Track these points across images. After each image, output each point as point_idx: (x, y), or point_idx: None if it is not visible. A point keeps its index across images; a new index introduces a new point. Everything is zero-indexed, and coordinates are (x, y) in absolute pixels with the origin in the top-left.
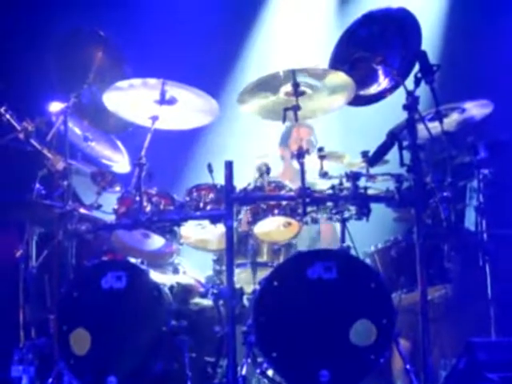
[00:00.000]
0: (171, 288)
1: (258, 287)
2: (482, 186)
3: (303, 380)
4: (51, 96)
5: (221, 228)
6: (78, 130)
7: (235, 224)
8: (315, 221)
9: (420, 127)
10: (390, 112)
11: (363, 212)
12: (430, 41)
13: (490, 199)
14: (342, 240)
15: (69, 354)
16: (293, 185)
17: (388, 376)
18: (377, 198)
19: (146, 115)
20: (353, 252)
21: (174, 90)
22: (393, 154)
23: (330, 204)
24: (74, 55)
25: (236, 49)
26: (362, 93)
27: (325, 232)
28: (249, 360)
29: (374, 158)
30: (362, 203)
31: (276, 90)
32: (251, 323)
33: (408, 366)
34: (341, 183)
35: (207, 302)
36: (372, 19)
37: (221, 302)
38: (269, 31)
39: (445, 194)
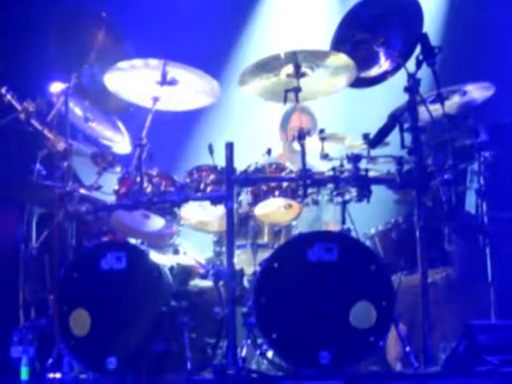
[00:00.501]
0: (171, 269)
1: (258, 269)
2: (483, 169)
3: (303, 361)
4: (52, 76)
5: (221, 209)
6: (78, 111)
7: (236, 205)
8: (316, 202)
9: (421, 109)
10: (391, 94)
11: (364, 194)
12: (432, 23)
13: (491, 182)
14: (343, 222)
15: (69, 335)
16: (292, 167)
17: (382, 360)
18: (378, 180)
19: (147, 96)
20: (353, 234)
21: (175, 70)
22: (394, 136)
23: (330, 186)
24: (75, 35)
25: (238, 30)
26: (363, 75)
27: None
28: (249, 341)
29: (375, 140)
30: (363, 185)
31: (277, 71)
32: (251, 304)
33: (408, 348)
34: (342, 165)
35: (207, 283)
36: (374, 1)
37: (221, 283)
38: (271, 12)
39: (445, 176)
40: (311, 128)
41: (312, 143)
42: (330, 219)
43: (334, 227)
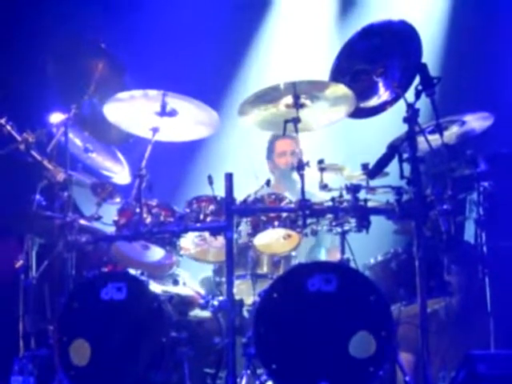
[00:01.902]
0: (171, 299)
1: (257, 299)
2: (482, 199)
3: None
4: (52, 107)
5: (221, 240)
6: (78, 141)
7: (235, 236)
8: (315, 233)
9: (420, 140)
10: (390, 124)
11: (363, 224)
12: (431, 53)
13: (490, 212)
14: (342, 252)
15: (69, 365)
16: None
17: None
18: (377, 211)
19: (147, 127)
20: (352, 264)
21: (174, 101)
22: (393, 167)
23: (329, 216)
24: (75, 66)
25: (237, 61)
26: (362, 105)
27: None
28: (248, 371)
29: (374, 171)
30: (362, 215)
31: (276, 102)
32: (251, 335)
33: (407, 378)
34: (341, 195)
35: (207, 314)
36: (373, 32)
37: (220, 313)
38: (269, 43)
39: (445, 206)
40: (296, 150)
41: (310, 173)
42: (331, 246)
43: (336, 254)
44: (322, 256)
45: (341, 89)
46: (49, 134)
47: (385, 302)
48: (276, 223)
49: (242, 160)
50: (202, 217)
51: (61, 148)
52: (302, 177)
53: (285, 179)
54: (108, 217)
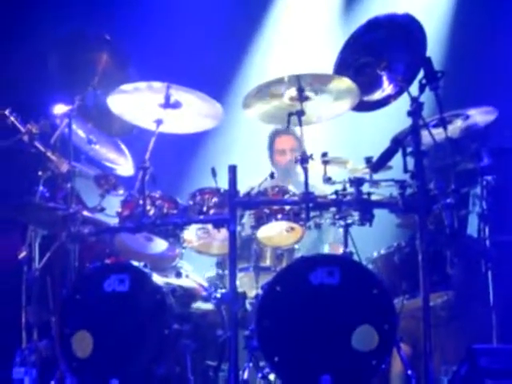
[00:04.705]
0: (174, 291)
1: (260, 292)
2: (486, 193)
3: None
4: (55, 98)
5: (224, 232)
6: (82, 133)
7: (238, 228)
8: (318, 226)
9: (424, 133)
10: (394, 118)
11: (366, 218)
12: (435, 47)
13: (493, 206)
14: (345, 245)
15: (71, 357)
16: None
17: (386, 381)
18: (380, 204)
19: (151, 119)
20: (355, 257)
21: (178, 93)
22: (397, 160)
23: (333, 209)
24: (79, 57)
25: (241, 53)
26: (366, 98)
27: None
28: (251, 364)
29: (378, 164)
30: (365, 209)
31: (281, 94)
32: (253, 327)
33: (410, 372)
34: (344, 189)
35: (210, 306)
36: (377, 25)
37: (223, 306)
38: (274, 36)
39: (448, 200)
40: (296, 147)
41: (313, 167)
42: (333, 240)
43: (339, 248)
44: (325, 251)
45: (345, 82)
46: (52, 125)
47: (387, 296)
48: (279, 216)
49: (246, 152)
50: (205, 209)
51: (64, 139)
52: (305, 170)
53: (285, 176)
54: (111, 208)
